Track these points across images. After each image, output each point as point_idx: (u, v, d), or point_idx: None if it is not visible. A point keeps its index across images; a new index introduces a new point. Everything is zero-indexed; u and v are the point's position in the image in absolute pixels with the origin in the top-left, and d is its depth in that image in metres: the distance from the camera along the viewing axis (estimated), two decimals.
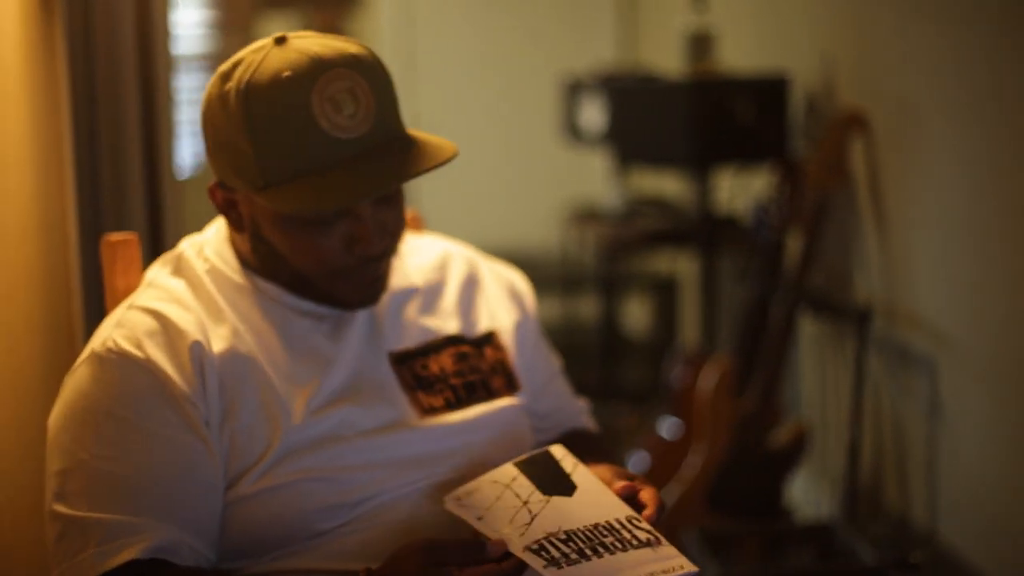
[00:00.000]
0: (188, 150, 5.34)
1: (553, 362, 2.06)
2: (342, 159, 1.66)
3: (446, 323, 1.89)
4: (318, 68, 1.66)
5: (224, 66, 1.73)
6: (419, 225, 2.17)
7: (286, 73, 1.65)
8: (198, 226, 1.96)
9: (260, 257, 1.77)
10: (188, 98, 5.99)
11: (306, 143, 1.65)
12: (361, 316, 1.83)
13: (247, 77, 1.67)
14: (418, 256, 1.96)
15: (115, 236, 1.99)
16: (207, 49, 5.98)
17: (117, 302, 1.89)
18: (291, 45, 1.70)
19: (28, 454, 2.19)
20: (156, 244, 2.60)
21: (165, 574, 1.61)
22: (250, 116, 1.66)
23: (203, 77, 6.15)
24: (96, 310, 2.47)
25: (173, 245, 1.92)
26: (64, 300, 2.44)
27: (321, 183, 1.64)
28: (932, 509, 3.12)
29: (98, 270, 2.20)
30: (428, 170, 1.68)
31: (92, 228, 2.54)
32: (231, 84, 1.69)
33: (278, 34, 1.73)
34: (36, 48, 2.38)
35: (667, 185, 5.33)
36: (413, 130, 1.76)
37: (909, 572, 2.72)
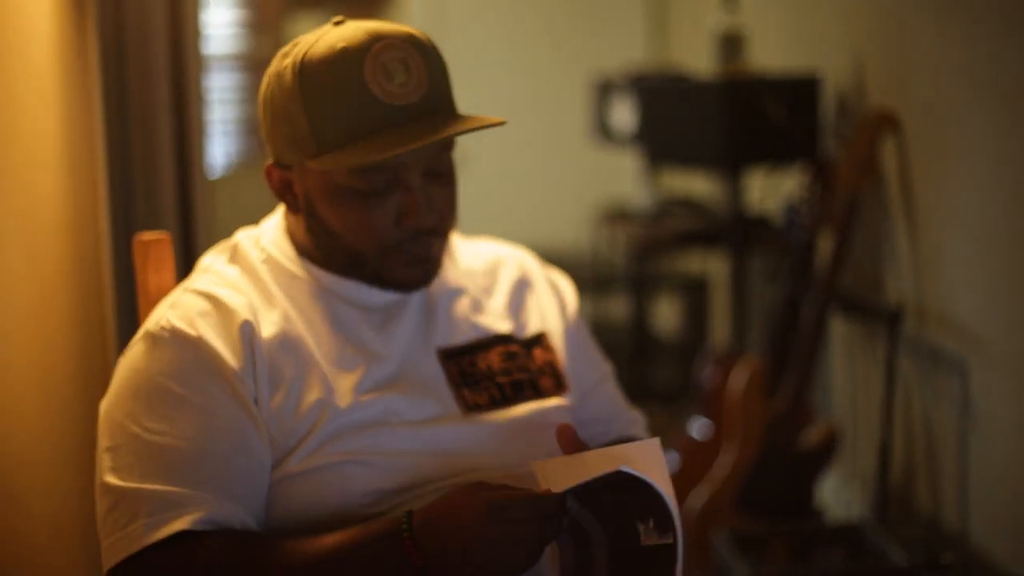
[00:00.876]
0: (219, 149, 5.37)
1: (604, 366, 2.07)
2: (391, 123, 1.70)
3: (496, 323, 1.91)
4: (373, 39, 1.71)
5: (284, 47, 1.79)
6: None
7: (341, 44, 1.71)
8: (229, 225, 1.97)
9: (314, 237, 1.80)
10: (219, 98, 6.01)
11: (357, 108, 1.69)
12: (412, 310, 1.85)
13: (304, 51, 1.73)
14: (471, 258, 1.98)
15: (147, 235, 2.00)
16: (238, 49, 6.01)
17: (149, 301, 1.91)
18: (348, 25, 1.76)
19: (60, 446, 2.20)
20: (187, 243, 2.61)
21: (212, 541, 1.61)
22: (305, 85, 1.71)
23: (234, 77, 6.17)
24: (128, 309, 2.48)
25: (205, 244, 1.93)
26: (96, 299, 2.46)
27: (371, 144, 1.68)
28: (963, 510, 3.11)
29: (130, 269, 2.21)
30: (475, 129, 1.72)
31: (124, 227, 2.55)
32: (288, 60, 1.75)
33: (337, 18, 1.78)
34: (69, 49, 2.40)
35: (698, 185, 5.33)
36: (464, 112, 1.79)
37: (940, 573, 2.71)
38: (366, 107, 1.69)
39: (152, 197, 2.55)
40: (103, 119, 2.49)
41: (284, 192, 1.82)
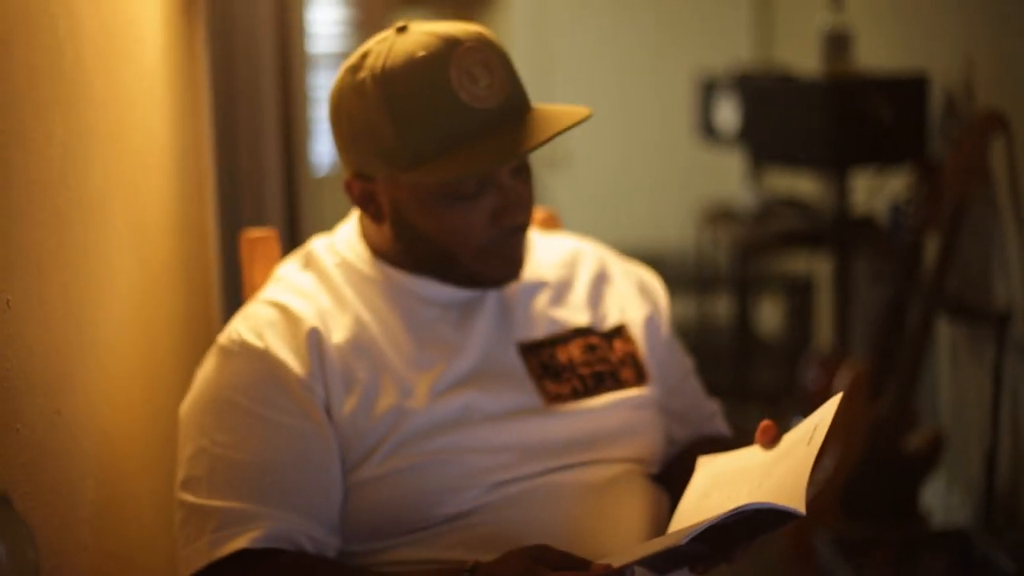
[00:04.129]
0: (325, 148, 5.41)
1: (686, 361, 2.06)
2: (484, 128, 1.70)
3: (575, 315, 1.90)
4: (451, 44, 1.70)
5: (350, 60, 1.77)
6: (555, 224, 2.18)
7: (420, 53, 1.70)
8: (335, 222, 1.99)
9: (403, 244, 1.80)
10: (325, 96, 6.06)
11: (448, 116, 1.69)
12: (489, 306, 1.85)
13: (381, 63, 1.72)
14: (549, 252, 1.97)
15: (254, 232, 2.02)
16: (342, 48, 6.05)
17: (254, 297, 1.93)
18: (414, 30, 1.75)
19: (169, 445, 2.23)
20: (294, 240, 2.64)
21: (278, 564, 1.64)
22: (390, 97, 1.70)
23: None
24: (234, 306, 2.51)
25: (310, 241, 1.95)
26: (203, 296, 2.49)
27: (468, 152, 1.68)
28: None
29: (237, 266, 2.23)
30: (570, 127, 1.71)
31: (231, 225, 2.59)
32: (364, 73, 1.73)
33: (398, 24, 1.77)
34: (178, 50, 2.43)
35: (803, 184, 5.29)
36: (537, 104, 1.79)
37: None
38: (457, 114, 1.69)
39: (259, 195, 2.57)
40: (211, 120, 2.52)
41: (367, 203, 1.81)
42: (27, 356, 1.58)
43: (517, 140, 1.69)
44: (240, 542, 1.63)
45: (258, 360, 1.72)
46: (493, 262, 1.79)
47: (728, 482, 1.65)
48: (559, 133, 1.70)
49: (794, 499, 1.48)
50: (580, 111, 1.75)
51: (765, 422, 1.69)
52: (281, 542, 1.65)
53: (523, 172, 1.78)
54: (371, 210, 1.81)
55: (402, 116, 1.70)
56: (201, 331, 2.56)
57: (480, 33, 1.74)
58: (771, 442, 1.66)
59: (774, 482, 1.55)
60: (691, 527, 1.48)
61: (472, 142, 1.69)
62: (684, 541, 1.46)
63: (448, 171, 1.68)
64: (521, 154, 1.70)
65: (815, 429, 1.57)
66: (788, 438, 1.64)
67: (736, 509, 1.47)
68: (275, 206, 2.58)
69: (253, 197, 2.58)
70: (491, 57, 1.72)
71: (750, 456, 1.68)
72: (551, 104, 1.79)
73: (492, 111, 1.70)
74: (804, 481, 1.49)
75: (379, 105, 1.71)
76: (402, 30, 1.75)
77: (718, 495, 1.64)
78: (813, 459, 1.52)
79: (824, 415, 1.58)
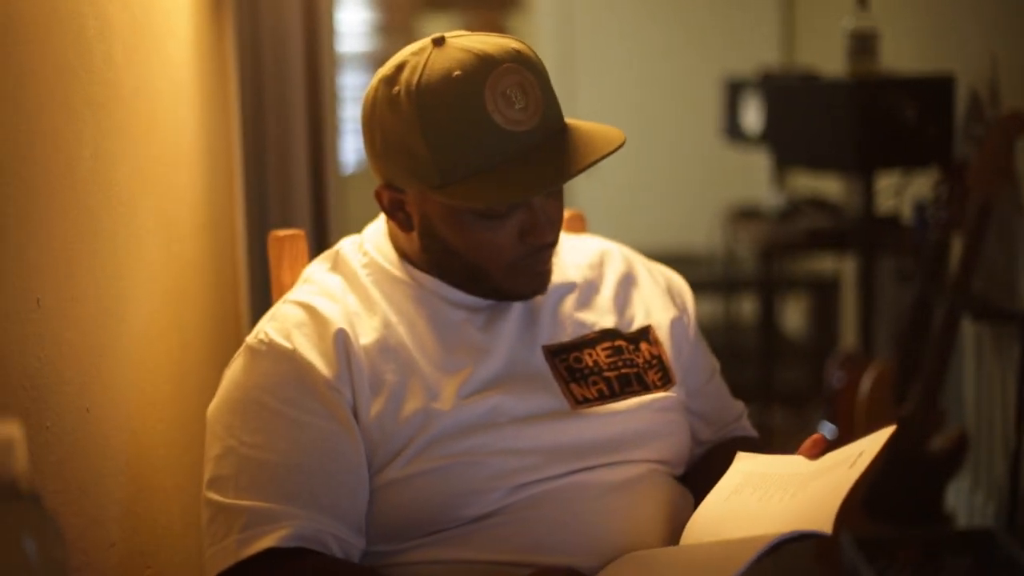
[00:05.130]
0: (352, 147, 5.43)
1: (712, 363, 2.06)
2: (518, 152, 1.69)
3: (602, 318, 1.90)
4: (488, 65, 1.69)
5: (385, 70, 1.76)
6: (581, 225, 2.18)
7: (456, 72, 1.68)
8: (362, 221, 1.99)
9: (431, 255, 1.80)
10: (351, 96, 6.07)
11: (482, 139, 1.67)
12: (516, 309, 1.85)
13: (416, 79, 1.70)
14: (576, 254, 1.97)
15: (282, 232, 2.03)
16: (369, 49, 6.07)
17: (282, 298, 1.93)
18: (452, 44, 1.72)
19: (196, 443, 2.25)
20: (321, 239, 2.65)
21: (304, 564, 1.65)
22: (424, 117, 1.68)
23: (366, 76, 6.24)
24: (262, 305, 2.52)
25: (337, 239, 1.95)
26: (231, 294, 2.50)
27: (500, 177, 1.68)
28: None
29: (265, 265, 2.24)
30: (602, 158, 1.70)
31: (259, 224, 2.59)
32: (399, 88, 1.71)
33: (435, 35, 1.75)
34: (206, 48, 2.44)
35: (829, 183, 5.28)
36: (571, 119, 1.78)
37: None
38: (490, 137, 1.68)
39: (287, 194, 2.58)
40: (239, 119, 2.53)
41: (396, 212, 1.80)
42: (57, 354, 1.60)
43: (551, 169, 1.69)
44: (268, 541, 1.63)
45: (286, 361, 1.72)
46: (521, 278, 1.79)
47: (762, 484, 1.65)
48: (593, 163, 1.69)
49: (822, 519, 1.49)
50: (614, 136, 1.73)
51: (816, 435, 1.70)
52: (308, 542, 1.66)
53: (556, 190, 1.78)
54: (400, 219, 1.81)
55: (435, 136, 1.68)
56: (229, 330, 2.57)
57: (517, 51, 1.72)
58: (816, 455, 1.67)
59: (807, 496, 1.56)
60: (732, 566, 1.47)
61: (505, 166, 1.68)
62: None
63: (479, 197, 1.68)
64: (553, 186, 1.70)
65: (860, 455, 1.58)
66: (831, 456, 1.64)
67: (773, 541, 1.48)
68: (303, 205, 2.59)
69: (281, 196, 2.59)
70: (527, 78, 1.70)
71: (790, 464, 1.68)
72: (584, 122, 1.77)
73: (526, 135, 1.69)
74: (838, 503, 1.50)
75: (412, 122, 1.69)
76: (439, 42, 1.73)
77: (750, 495, 1.65)
78: (852, 483, 1.53)
79: (873, 443, 1.59)
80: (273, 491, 1.67)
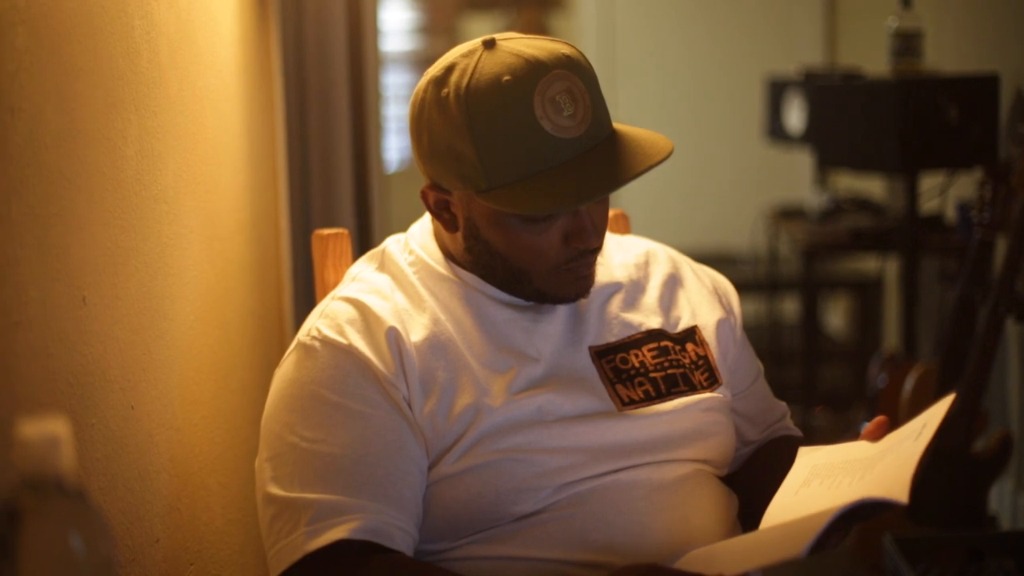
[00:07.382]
0: (395, 146, 5.45)
1: (757, 364, 2.06)
2: (566, 159, 1.68)
3: (648, 318, 1.90)
4: (537, 71, 1.68)
5: (435, 71, 1.76)
6: (625, 225, 2.19)
7: (506, 78, 1.68)
8: (405, 219, 2.00)
9: (475, 256, 1.80)
10: (394, 95, 6.09)
11: (530, 145, 1.67)
12: (562, 309, 1.85)
13: (465, 82, 1.70)
14: (622, 254, 1.97)
15: (326, 230, 2.04)
16: (412, 48, 6.09)
17: (327, 295, 1.94)
18: (502, 48, 1.72)
19: (239, 441, 2.26)
20: (364, 238, 2.66)
21: (376, 560, 1.64)
22: (472, 122, 1.68)
23: (409, 75, 6.26)
24: (305, 303, 2.53)
25: (381, 238, 1.96)
26: (275, 293, 2.51)
27: (547, 184, 1.67)
28: None
29: (308, 264, 2.26)
30: (651, 168, 1.70)
31: (303, 222, 2.60)
32: (448, 90, 1.71)
33: (486, 37, 1.75)
34: (252, 48, 2.46)
35: (872, 184, 5.27)
36: (619, 124, 1.78)
37: None
38: (538, 144, 1.67)
39: (330, 193, 2.59)
40: (283, 118, 2.55)
41: (441, 212, 1.81)
42: (103, 352, 1.61)
43: (598, 177, 1.68)
44: (339, 532, 1.62)
45: (343, 355, 1.72)
46: (563, 282, 1.79)
47: (829, 473, 1.66)
48: (640, 173, 1.69)
49: (896, 490, 1.49)
50: (663, 144, 1.74)
51: (880, 417, 1.71)
52: (377, 535, 1.65)
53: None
54: (445, 219, 1.81)
55: (483, 141, 1.68)
56: (273, 328, 2.59)
57: (567, 56, 1.72)
58: (879, 437, 1.68)
59: (876, 474, 1.56)
60: (804, 538, 1.48)
61: (553, 173, 1.68)
62: (803, 553, 1.46)
63: (525, 204, 1.68)
64: (600, 195, 1.69)
65: (924, 426, 1.60)
66: (893, 435, 1.66)
67: (845, 507, 1.48)
68: (346, 204, 2.60)
69: (324, 195, 2.60)
70: (576, 84, 1.70)
71: (853, 449, 1.70)
72: (633, 128, 1.77)
73: (574, 142, 1.69)
74: (910, 473, 1.51)
75: (461, 126, 1.69)
76: (489, 45, 1.73)
77: (818, 485, 1.65)
78: (920, 453, 1.54)
79: (934, 413, 1.61)
80: (340, 484, 1.65)
